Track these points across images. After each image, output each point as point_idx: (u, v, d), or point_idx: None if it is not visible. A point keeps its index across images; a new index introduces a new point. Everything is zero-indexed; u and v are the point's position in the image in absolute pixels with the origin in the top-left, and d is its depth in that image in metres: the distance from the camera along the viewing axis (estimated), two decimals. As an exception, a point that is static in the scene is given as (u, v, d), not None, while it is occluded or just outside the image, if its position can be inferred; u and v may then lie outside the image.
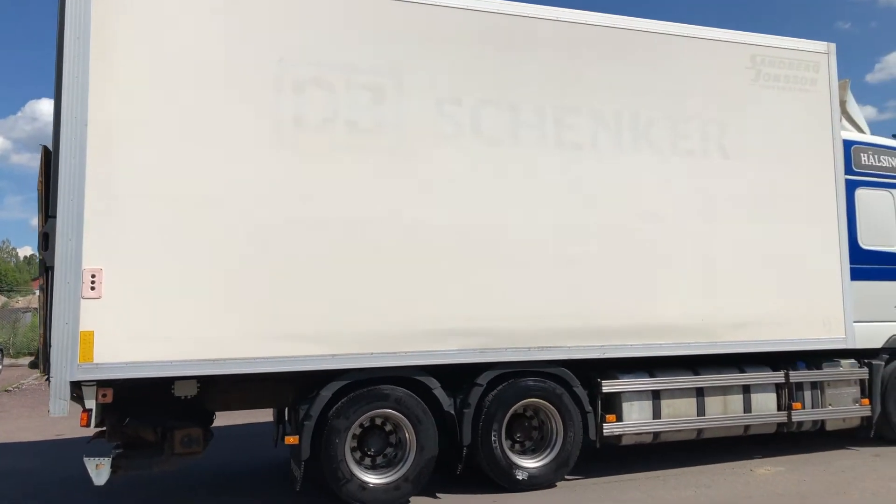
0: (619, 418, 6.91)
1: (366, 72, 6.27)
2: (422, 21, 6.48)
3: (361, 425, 6.18)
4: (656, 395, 7.07)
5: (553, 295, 6.66)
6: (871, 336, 8.04)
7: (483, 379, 6.45)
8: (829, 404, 7.77)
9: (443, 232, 6.36)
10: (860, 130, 8.75)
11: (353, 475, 6.03)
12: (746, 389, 7.43)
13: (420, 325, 6.21)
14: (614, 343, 6.86)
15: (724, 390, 7.34)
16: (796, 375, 7.62)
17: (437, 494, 6.44)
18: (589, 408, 6.79)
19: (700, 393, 7.24)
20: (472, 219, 6.47)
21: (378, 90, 6.30)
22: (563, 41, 6.97)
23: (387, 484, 6.13)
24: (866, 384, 7.96)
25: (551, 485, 6.66)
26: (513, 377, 6.58)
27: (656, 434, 7.08)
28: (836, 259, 7.82)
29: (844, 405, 7.82)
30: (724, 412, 7.31)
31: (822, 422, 7.80)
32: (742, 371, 7.48)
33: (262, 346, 5.81)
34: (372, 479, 6.13)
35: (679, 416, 7.12)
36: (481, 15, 6.68)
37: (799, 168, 7.78)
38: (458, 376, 6.48)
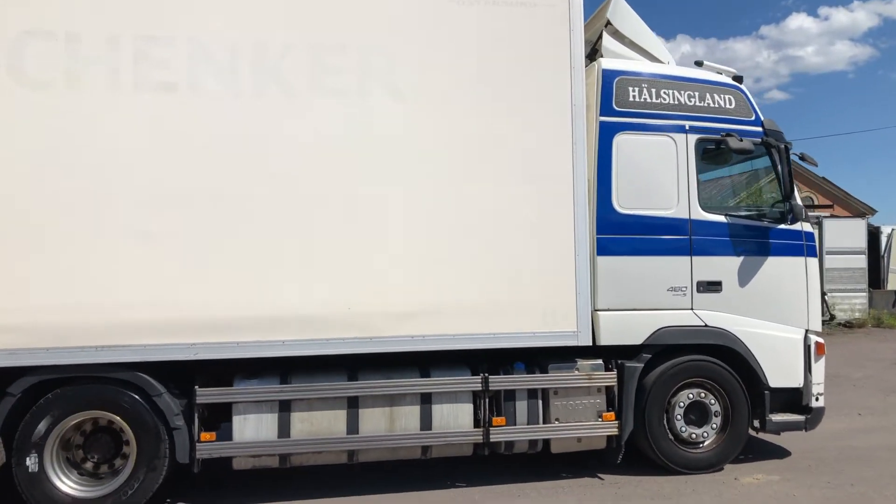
0: (228, 436, 5.39)
1: None
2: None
3: None
4: (286, 407, 5.48)
5: (124, 280, 5.18)
6: (629, 329, 6.05)
7: (16, 388, 5.08)
8: (556, 419, 5.89)
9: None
10: (654, 59, 6.65)
11: None
12: (426, 399, 5.69)
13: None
14: (217, 340, 5.31)
15: (391, 400, 5.63)
16: (499, 381, 5.79)
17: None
18: (178, 423, 5.30)
19: (353, 403, 5.59)
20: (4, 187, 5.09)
21: None
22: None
23: None
24: (615, 393, 6.01)
25: (124, 522, 5.24)
26: (71, 384, 5.19)
27: (284, 456, 5.50)
28: (569, 227, 5.89)
29: (580, 420, 5.92)
30: (388, 429, 5.61)
31: (549, 441, 5.95)
32: (425, 375, 5.75)
33: None
34: None
35: (319, 433, 5.50)
36: None
37: (518, 108, 5.87)
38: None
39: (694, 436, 6.15)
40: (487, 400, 5.77)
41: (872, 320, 20.88)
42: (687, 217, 6.19)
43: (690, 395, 6.16)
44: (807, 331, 6.39)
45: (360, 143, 5.60)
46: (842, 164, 66.46)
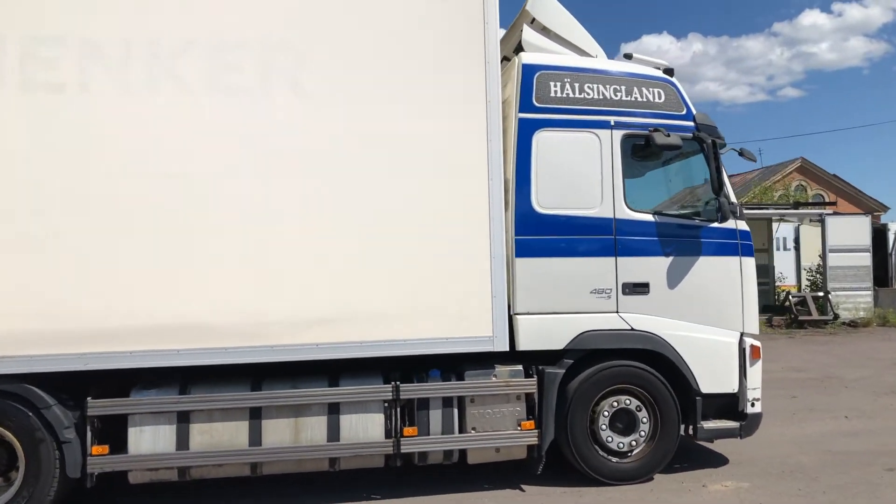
0: (124, 448, 5.22)
1: None
2: None
3: None
4: (184, 418, 5.29)
5: (6, 288, 5.00)
6: (549, 333, 5.79)
7: None
8: (473, 428, 5.64)
9: None
10: (582, 53, 6.40)
11: None
12: (333, 409, 5.48)
13: None
14: (109, 350, 5.14)
15: (296, 410, 5.43)
16: (411, 389, 5.56)
17: None
18: (68, 436, 5.13)
19: (256, 414, 5.39)
20: None
21: None
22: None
23: None
24: (535, 400, 5.74)
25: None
26: (-43, 397, 5.06)
27: (183, 469, 5.31)
28: (485, 227, 5.65)
29: (499, 429, 5.66)
30: (294, 440, 5.40)
31: (466, 451, 5.70)
32: (335, 384, 5.54)
33: None
34: None
35: (219, 445, 5.31)
36: None
37: (431, 105, 5.64)
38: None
39: (620, 445, 5.87)
40: (399, 409, 5.55)
41: (878, 319, 20.32)
42: (612, 216, 5.92)
43: (616, 403, 5.88)
44: (742, 334, 6.09)
45: (261, 141, 5.41)
46: (855, 161, 65.33)
